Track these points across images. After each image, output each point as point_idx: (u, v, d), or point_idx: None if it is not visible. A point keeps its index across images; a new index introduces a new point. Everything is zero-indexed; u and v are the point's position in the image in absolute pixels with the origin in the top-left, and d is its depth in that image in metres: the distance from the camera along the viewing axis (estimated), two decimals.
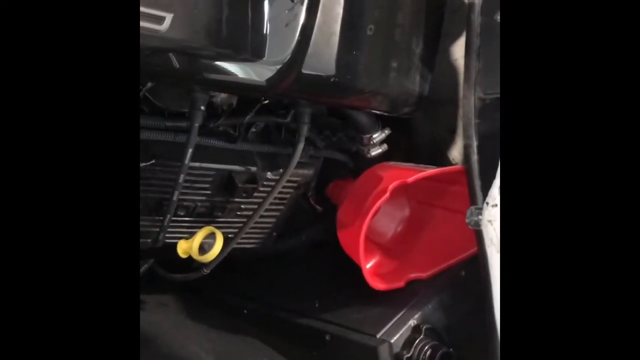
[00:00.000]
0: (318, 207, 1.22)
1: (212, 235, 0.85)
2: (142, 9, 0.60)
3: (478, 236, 0.76)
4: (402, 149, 1.22)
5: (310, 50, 0.78)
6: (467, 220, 0.65)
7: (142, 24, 0.62)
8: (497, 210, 0.62)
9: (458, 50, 1.13)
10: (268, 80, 0.77)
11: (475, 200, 0.81)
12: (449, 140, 1.21)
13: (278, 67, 0.76)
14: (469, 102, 0.92)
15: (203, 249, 0.86)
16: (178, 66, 0.73)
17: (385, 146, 1.10)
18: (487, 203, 0.64)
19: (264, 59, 0.76)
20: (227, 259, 1.00)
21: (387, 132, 1.08)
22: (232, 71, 0.76)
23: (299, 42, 0.76)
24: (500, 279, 0.59)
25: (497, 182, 0.65)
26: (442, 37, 1.08)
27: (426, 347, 0.90)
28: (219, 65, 0.76)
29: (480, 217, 0.63)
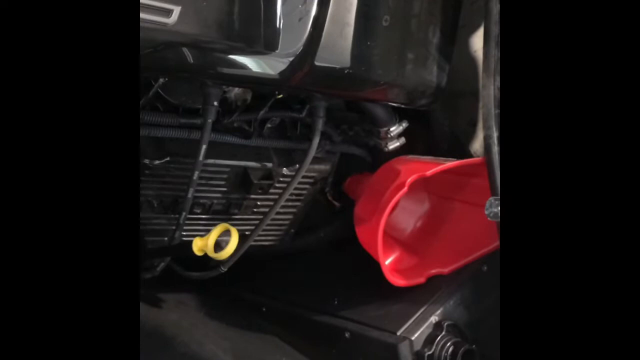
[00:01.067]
0: (336, 203, 1.20)
1: (227, 233, 0.84)
2: (148, 1, 0.59)
3: (498, 228, 0.74)
4: (421, 142, 1.20)
5: (322, 42, 0.76)
6: (486, 212, 0.63)
7: (150, 17, 0.61)
8: None
9: (477, 41, 1.10)
10: (281, 73, 0.76)
11: (496, 193, 0.78)
12: (470, 133, 1.19)
13: (290, 59, 0.75)
14: (488, 92, 0.89)
15: (219, 247, 0.85)
16: (190, 60, 0.72)
17: (403, 139, 1.08)
18: None
19: (277, 51, 0.75)
20: (245, 257, 0.99)
21: (404, 124, 1.06)
22: (245, 64, 0.75)
23: (311, 33, 0.75)
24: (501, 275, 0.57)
25: None
26: (461, 28, 1.06)
27: (448, 344, 0.88)
28: (231, 59, 0.75)
29: (499, 208, 0.60)
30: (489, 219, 0.64)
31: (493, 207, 0.63)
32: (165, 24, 0.63)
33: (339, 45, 0.79)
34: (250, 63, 0.76)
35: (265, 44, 0.74)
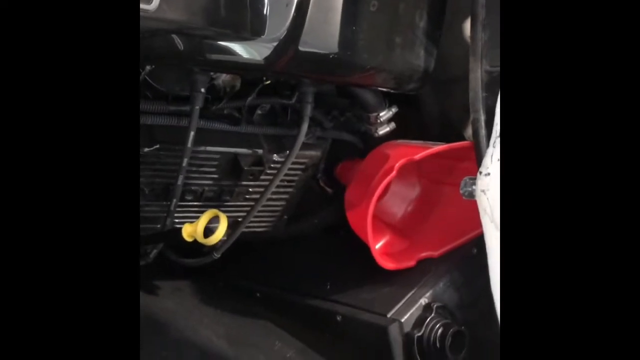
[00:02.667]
0: (328, 189, 1.21)
1: (216, 218, 0.85)
2: None
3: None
4: (412, 128, 1.21)
5: (306, 27, 0.76)
6: (461, 191, 0.63)
7: None
8: (490, 179, 0.60)
9: (469, 27, 1.10)
10: (266, 58, 0.76)
11: None
12: (465, 119, 1.19)
13: (275, 44, 0.75)
14: (475, 75, 0.89)
15: (210, 232, 0.86)
16: (176, 47, 0.73)
17: (393, 125, 1.08)
18: (481, 172, 0.62)
19: (263, 36, 0.75)
20: (239, 244, 1.00)
21: (394, 110, 1.06)
22: (231, 50, 0.76)
23: (295, 18, 0.75)
24: (500, 257, 0.57)
25: (489, 151, 0.63)
26: (454, 14, 1.06)
27: (437, 326, 0.89)
28: (217, 45, 0.75)
29: (474, 187, 0.61)
30: (463, 197, 0.65)
31: (467, 187, 0.63)
32: (146, 11, 0.63)
33: (323, 30, 0.79)
34: (237, 49, 0.76)
35: (252, 29, 0.74)
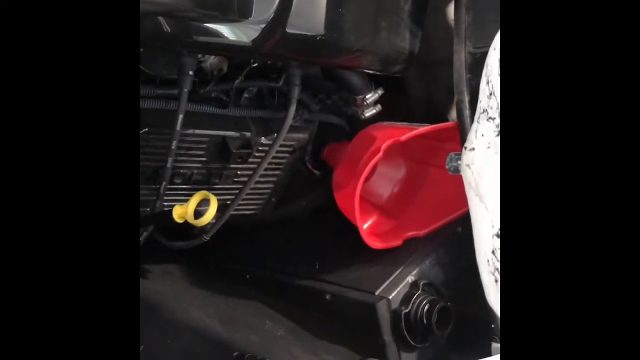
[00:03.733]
0: (316, 172, 1.22)
1: (206, 200, 0.86)
2: None
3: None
4: (398, 110, 1.22)
5: (293, 9, 0.77)
6: (447, 166, 0.65)
7: None
8: (474, 154, 0.62)
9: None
10: (253, 40, 0.77)
11: None
12: (449, 101, 1.21)
13: (262, 26, 0.76)
14: (459, 56, 0.91)
15: (199, 214, 0.87)
16: (164, 29, 0.73)
17: (379, 107, 1.10)
18: (465, 147, 0.64)
19: (250, 18, 0.76)
20: (228, 226, 1.01)
21: (380, 92, 1.08)
22: (218, 32, 0.76)
23: (282, 0, 0.76)
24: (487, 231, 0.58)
25: (474, 127, 0.65)
26: None
27: (424, 302, 0.91)
28: (205, 27, 0.76)
29: (459, 162, 0.63)
30: (449, 172, 0.67)
31: (453, 162, 0.65)
32: None
33: (310, 12, 0.80)
34: (224, 31, 0.77)
35: (239, 11, 0.75)
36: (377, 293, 0.92)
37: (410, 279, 0.93)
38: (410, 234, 1.02)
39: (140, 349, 0.90)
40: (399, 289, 0.92)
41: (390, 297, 0.90)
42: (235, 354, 0.81)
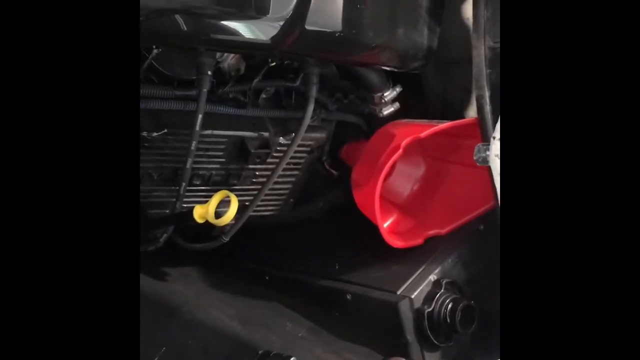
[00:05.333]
0: (334, 172, 1.22)
1: (227, 200, 0.86)
2: None
3: (492, 185, 0.75)
4: (415, 108, 1.21)
5: (312, 5, 0.77)
6: (475, 158, 0.64)
7: None
8: None
9: (470, 8, 1.10)
10: (272, 38, 0.77)
11: None
12: (465, 100, 1.20)
13: (281, 23, 0.76)
14: (479, 52, 0.90)
15: (219, 214, 0.87)
16: (182, 27, 0.73)
17: (397, 104, 1.09)
18: (494, 137, 0.63)
19: (268, 15, 0.75)
20: (247, 227, 1.00)
21: (398, 89, 1.07)
22: (236, 30, 0.76)
23: None
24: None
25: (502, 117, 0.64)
26: None
27: (447, 301, 0.89)
28: (223, 24, 0.75)
29: (487, 152, 0.62)
30: (477, 164, 0.65)
31: (481, 152, 0.64)
32: None
33: (329, 8, 0.80)
34: (242, 28, 0.76)
35: (256, 8, 0.75)
36: (399, 292, 0.91)
37: (432, 277, 0.92)
38: (432, 232, 1.01)
39: (162, 350, 0.90)
40: (421, 287, 0.91)
41: (412, 296, 0.89)
42: (260, 351, 0.80)
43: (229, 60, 0.95)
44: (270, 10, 0.74)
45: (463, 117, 1.18)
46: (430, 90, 1.26)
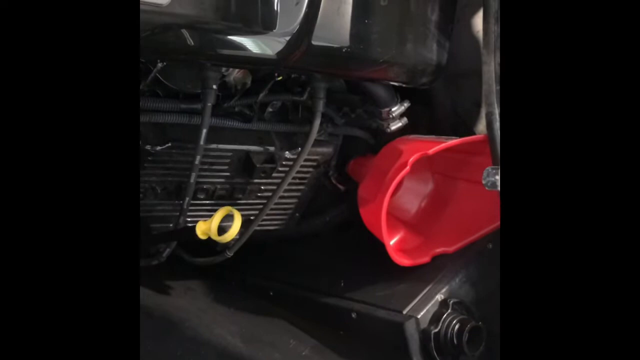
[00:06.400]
0: (340, 186, 1.20)
1: (230, 216, 0.84)
2: None
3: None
4: (424, 123, 1.20)
5: (319, 20, 0.76)
6: (483, 182, 0.62)
7: None
8: None
9: (480, 21, 1.09)
10: (278, 53, 0.76)
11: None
12: (474, 114, 1.18)
13: (287, 38, 0.75)
14: (489, 68, 0.89)
15: (223, 230, 0.85)
16: (188, 42, 0.72)
17: (405, 120, 1.07)
18: None
19: (275, 30, 0.75)
20: (251, 242, 0.99)
21: (406, 104, 1.05)
22: (243, 45, 0.75)
23: (307, 12, 0.74)
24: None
25: None
26: (464, 8, 1.05)
27: (454, 322, 0.88)
28: (229, 39, 0.74)
29: (497, 177, 0.60)
30: (487, 188, 0.64)
31: (490, 177, 0.62)
32: (159, 5, 0.63)
33: (336, 23, 0.79)
34: (248, 43, 0.75)
35: (263, 23, 0.74)
36: (405, 312, 0.89)
37: (439, 297, 0.90)
38: (439, 250, 0.99)
39: None
40: (428, 307, 0.89)
41: (419, 316, 0.88)
42: None
43: (235, 74, 0.94)
44: (277, 26, 0.74)
45: (473, 132, 1.17)
46: (440, 104, 1.25)
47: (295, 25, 0.74)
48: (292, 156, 1.03)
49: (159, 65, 0.86)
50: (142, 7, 0.63)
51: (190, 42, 0.72)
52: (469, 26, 1.10)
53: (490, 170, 0.63)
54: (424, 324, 0.88)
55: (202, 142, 0.88)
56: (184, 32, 0.71)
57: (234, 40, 0.74)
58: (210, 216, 0.88)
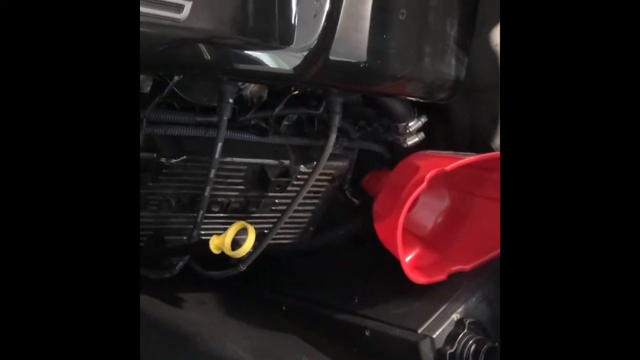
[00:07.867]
0: (355, 200, 1.19)
1: (244, 230, 0.84)
2: None
3: None
4: (441, 138, 1.19)
5: (337, 35, 0.75)
6: None
7: (161, 12, 0.61)
8: None
9: (497, 35, 1.08)
10: (295, 68, 0.75)
11: None
12: (491, 128, 1.17)
13: (305, 54, 0.74)
14: None
15: (237, 244, 0.85)
16: (204, 57, 0.72)
17: (422, 135, 1.06)
18: None
19: (292, 45, 0.74)
20: (265, 255, 0.98)
21: (423, 119, 1.04)
22: (259, 60, 0.75)
23: (325, 27, 0.74)
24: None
25: None
26: (481, 22, 1.04)
27: (470, 342, 0.86)
28: (246, 54, 0.74)
29: None
30: None
31: None
32: (177, 20, 0.62)
33: (354, 39, 0.78)
34: (265, 58, 0.75)
35: (280, 38, 0.74)
36: (420, 331, 0.87)
37: (455, 316, 0.89)
38: (456, 268, 0.97)
39: None
40: (443, 327, 0.87)
41: (434, 336, 0.86)
42: None
43: (252, 87, 0.94)
44: (294, 41, 0.73)
45: (491, 147, 1.15)
46: (457, 118, 1.24)
47: (312, 40, 0.74)
48: (307, 170, 1.02)
49: (175, 78, 0.85)
50: (159, 21, 0.63)
51: (208, 56, 0.72)
52: (486, 40, 1.09)
53: None
54: (439, 344, 0.86)
55: (217, 156, 0.88)
56: (202, 46, 0.70)
57: (251, 55, 0.74)
58: (224, 229, 0.87)
